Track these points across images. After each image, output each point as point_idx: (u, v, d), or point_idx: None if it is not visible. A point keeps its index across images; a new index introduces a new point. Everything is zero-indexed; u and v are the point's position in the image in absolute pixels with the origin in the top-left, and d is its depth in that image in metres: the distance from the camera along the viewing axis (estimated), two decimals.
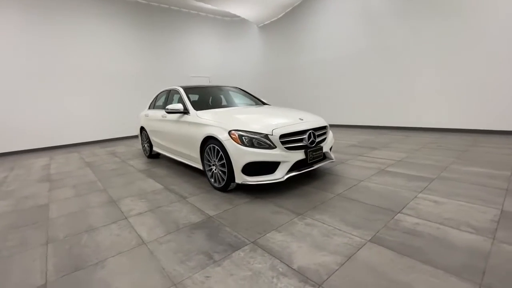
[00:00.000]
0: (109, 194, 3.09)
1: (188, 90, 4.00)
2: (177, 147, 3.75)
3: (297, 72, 9.45)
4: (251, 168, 2.59)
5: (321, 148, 2.93)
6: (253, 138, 2.59)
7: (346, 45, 7.72)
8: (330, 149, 3.30)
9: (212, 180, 3.00)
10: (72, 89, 7.64)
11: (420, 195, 2.45)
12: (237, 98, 4.44)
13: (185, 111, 3.48)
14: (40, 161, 5.59)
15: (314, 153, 2.83)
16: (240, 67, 11.54)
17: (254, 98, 4.50)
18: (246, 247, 1.77)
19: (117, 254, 1.80)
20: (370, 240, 1.75)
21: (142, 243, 1.92)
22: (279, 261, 1.59)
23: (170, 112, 3.55)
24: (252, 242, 1.83)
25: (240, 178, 2.61)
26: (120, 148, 6.67)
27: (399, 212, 2.13)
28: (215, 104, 4.07)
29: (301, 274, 1.46)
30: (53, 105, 7.35)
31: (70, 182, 3.74)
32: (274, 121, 2.85)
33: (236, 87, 4.71)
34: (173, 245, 1.87)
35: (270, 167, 2.61)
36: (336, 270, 1.48)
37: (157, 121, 4.34)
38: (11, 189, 3.56)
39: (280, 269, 1.51)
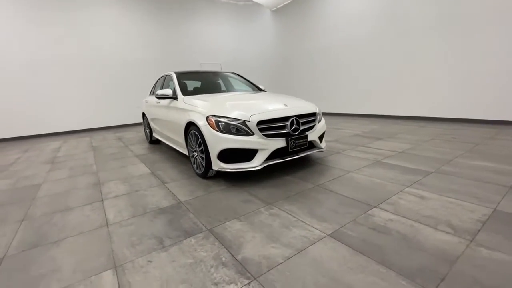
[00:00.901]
0: (98, 176, 3.20)
1: (181, 75, 3.95)
2: (168, 132, 3.76)
3: (309, 58, 9.03)
4: (228, 155, 2.51)
5: (306, 136, 2.76)
6: (230, 124, 2.50)
7: (360, 29, 7.19)
8: (322, 137, 3.11)
9: (194, 166, 2.98)
10: (87, 76, 7.95)
11: (407, 189, 2.23)
12: (232, 84, 4.34)
13: (174, 97, 3.46)
14: (54, 144, 5.94)
15: (296, 141, 2.67)
16: (252, 53, 11.28)
17: (250, 84, 4.36)
18: (200, 234, 1.72)
19: (78, 234, 1.84)
20: (330, 235, 1.62)
21: (105, 225, 1.95)
22: (226, 250, 1.53)
23: (160, 97, 3.54)
24: (208, 230, 1.77)
25: (217, 164, 2.55)
26: (129, 133, 6.90)
27: (375, 207, 1.95)
28: (209, 89, 3.98)
29: (242, 265, 1.38)
30: (71, 91, 7.72)
31: (69, 164, 3.93)
32: (256, 107, 2.71)
33: (234, 73, 4.59)
34: (132, 228, 1.87)
35: (248, 154, 2.51)
36: (280, 264, 1.38)
37: (154, 107, 4.37)
38: (17, 169, 3.82)
39: (223, 259, 1.45)
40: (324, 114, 8.71)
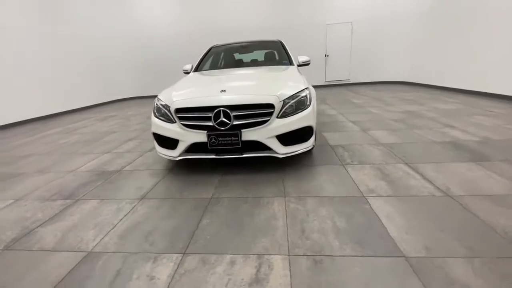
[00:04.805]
0: (141, 136, 4.23)
1: (216, 48, 3.99)
2: None
3: (483, 14, 5.48)
4: (160, 139, 2.50)
5: (237, 134, 2.13)
6: (161, 109, 2.43)
7: None
8: (292, 137, 2.23)
9: None
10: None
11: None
12: (264, 58, 3.81)
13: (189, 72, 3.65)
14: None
15: (221, 139, 2.16)
16: (393, 7, 8.39)
17: (286, 57, 3.60)
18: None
19: (35, 172, 2.78)
20: None
21: (70, 171, 2.77)
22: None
23: (184, 72, 3.85)
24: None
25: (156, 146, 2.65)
26: None
27: None
28: (234, 64, 3.81)
29: None
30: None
31: (135, 120, 5.35)
32: (194, 91, 2.44)
33: (278, 41, 3.93)
34: (60, 182, 2.55)
35: (173, 142, 2.39)
36: None
37: None
38: (122, 122, 5.75)
39: None
40: (479, 93, 5.39)
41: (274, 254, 1.34)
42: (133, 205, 1.95)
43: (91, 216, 1.83)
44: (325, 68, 9.73)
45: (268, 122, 2.17)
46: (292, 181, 2.17)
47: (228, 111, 2.13)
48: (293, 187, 2.05)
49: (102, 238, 1.57)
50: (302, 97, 2.33)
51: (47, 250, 1.49)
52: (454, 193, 1.80)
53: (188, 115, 2.24)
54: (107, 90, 9.26)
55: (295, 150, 2.30)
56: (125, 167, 2.77)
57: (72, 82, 7.76)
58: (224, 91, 2.26)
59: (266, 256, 1.33)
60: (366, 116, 4.32)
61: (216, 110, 2.14)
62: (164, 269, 1.30)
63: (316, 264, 1.26)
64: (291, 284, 1.15)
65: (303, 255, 1.32)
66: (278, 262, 1.29)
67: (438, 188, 1.88)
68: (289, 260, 1.30)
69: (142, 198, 2.05)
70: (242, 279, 1.20)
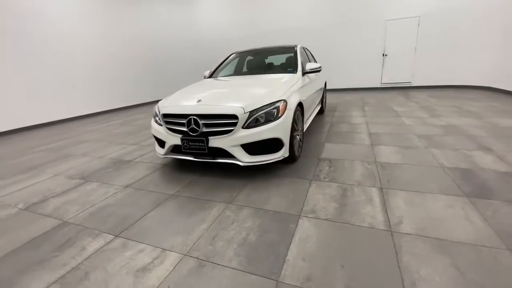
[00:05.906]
0: None
1: (238, 54, 4.26)
2: None
3: None
4: (156, 140, 2.93)
5: (204, 141, 2.35)
6: (157, 113, 2.85)
7: None
8: (253, 147, 2.34)
9: None
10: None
11: None
12: (276, 65, 3.86)
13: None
14: None
15: (191, 143, 2.42)
16: None
17: (295, 64, 3.58)
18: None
19: (80, 155, 3.57)
20: None
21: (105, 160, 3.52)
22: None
23: (204, 77, 4.25)
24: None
25: None
26: None
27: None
28: (245, 71, 4.00)
29: None
30: None
31: None
32: (183, 99, 2.74)
33: (294, 47, 3.89)
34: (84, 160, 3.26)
35: (161, 142, 2.78)
36: None
37: None
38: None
39: None
40: None
41: (174, 251, 1.54)
42: (117, 191, 2.42)
43: (85, 195, 2.38)
44: (381, 69, 8.79)
45: (232, 132, 2.31)
46: (249, 189, 2.26)
47: (198, 119, 2.37)
48: (245, 195, 2.15)
49: (79, 213, 2.07)
50: (273, 108, 2.37)
51: (43, 215, 2.07)
52: (401, 229, 1.59)
53: (170, 120, 2.59)
54: (168, 88, 10.78)
55: (261, 160, 2.38)
56: (136, 158, 3.34)
57: (142, 81, 9.43)
58: (200, 100, 2.51)
59: (167, 252, 1.54)
60: (392, 128, 3.86)
61: (188, 118, 2.41)
62: (95, 244, 1.66)
63: (198, 268, 1.40)
64: (165, 278, 1.34)
65: (195, 257, 1.47)
66: (172, 258, 1.48)
67: (387, 221, 1.68)
68: (181, 259, 1.47)
69: (127, 186, 2.51)
70: (135, 265, 1.45)
